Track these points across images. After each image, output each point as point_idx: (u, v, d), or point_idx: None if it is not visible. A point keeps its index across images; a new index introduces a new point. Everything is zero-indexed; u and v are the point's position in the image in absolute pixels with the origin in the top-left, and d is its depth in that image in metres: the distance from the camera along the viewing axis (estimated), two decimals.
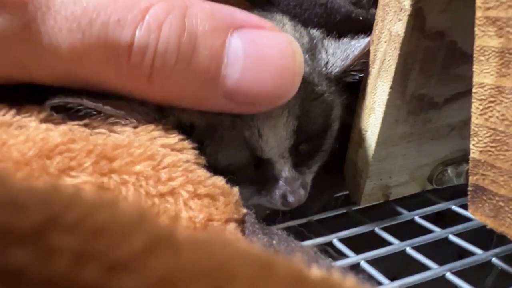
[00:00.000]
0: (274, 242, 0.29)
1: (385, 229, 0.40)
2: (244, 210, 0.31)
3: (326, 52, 0.38)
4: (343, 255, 0.37)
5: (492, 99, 0.27)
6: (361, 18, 0.38)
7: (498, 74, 0.26)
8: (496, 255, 0.36)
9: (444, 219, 0.47)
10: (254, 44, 0.29)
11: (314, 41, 0.38)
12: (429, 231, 0.39)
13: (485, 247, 0.37)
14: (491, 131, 0.27)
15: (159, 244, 0.11)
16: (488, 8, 0.25)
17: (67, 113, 0.31)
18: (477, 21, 0.26)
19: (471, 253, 0.36)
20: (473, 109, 0.28)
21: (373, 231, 0.40)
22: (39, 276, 0.10)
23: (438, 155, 0.43)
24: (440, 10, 0.33)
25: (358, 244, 0.38)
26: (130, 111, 0.31)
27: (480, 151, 0.28)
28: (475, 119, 0.28)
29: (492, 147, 0.27)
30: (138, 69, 0.28)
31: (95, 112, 0.31)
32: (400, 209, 0.43)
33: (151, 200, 0.27)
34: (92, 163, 0.27)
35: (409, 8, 0.32)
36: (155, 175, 0.28)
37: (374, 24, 0.36)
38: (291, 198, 0.37)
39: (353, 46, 0.38)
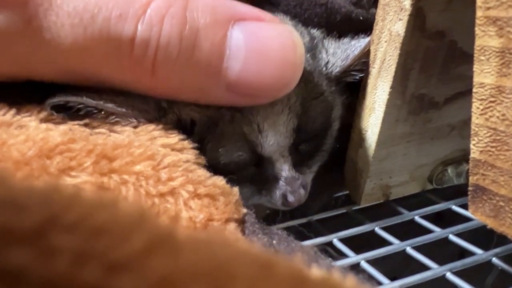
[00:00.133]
0: (274, 242, 0.29)
1: (385, 229, 0.40)
2: (244, 210, 0.31)
3: (327, 52, 0.38)
4: (343, 255, 0.37)
5: (492, 99, 0.27)
6: (361, 18, 0.38)
7: (498, 74, 0.26)
8: (496, 255, 0.36)
9: (444, 219, 0.47)
10: (255, 36, 0.29)
11: (315, 41, 0.38)
12: (429, 231, 0.39)
13: (485, 247, 0.37)
14: (491, 131, 0.27)
15: (159, 244, 0.11)
16: (488, 8, 0.25)
17: (67, 113, 0.31)
18: (477, 21, 0.26)
19: (471, 253, 0.36)
20: (473, 109, 0.28)
21: (373, 231, 0.40)
22: (39, 276, 0.10)
23: (438, 155, 0.43)
24: (440, 10, 0.33)
25: (358, 244, 0.38)
26: (131, 109, 0.31)
27: (481, 151, 0.28)
28: (476, 119, 0.28)
29: (492, 147, 0.27)
30: (140, 63, 0.28)
31: (95, 111, 0.31)
32: (400, 209, 0.43)
33: (151, 200, 0.27)
34: (92, 163, 0.27)
35: (410, 7, 0.32)
36: (155, 175, 0.28)
37: (375, 24, 0.36)
38: (291, 198, 0.37)
39: (353, 46, 0.38)
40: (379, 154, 0.39)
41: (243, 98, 0.31)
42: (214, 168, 0.33)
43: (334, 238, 0.38)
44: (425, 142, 0.41)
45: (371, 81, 0.37)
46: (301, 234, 0.41)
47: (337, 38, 0.39)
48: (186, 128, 0.33)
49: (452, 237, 0.38)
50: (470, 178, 0.30)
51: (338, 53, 0.38)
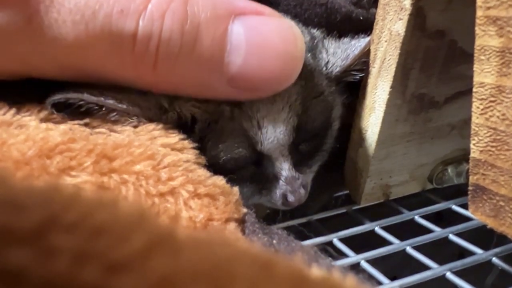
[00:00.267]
0: (274, 241, 0.29)
1: (385, 228, 0.40)
2: (244, 210, 0.31)
3: (327, 52, 0.38)
4: (343, 255, 0.37)
5: (492, 98, 0.26)
6: (361, 17, 0.38)
7: (498, 73, 0.26)
8: (496, 255, 0.36)
9: (444, 218, 0.47)
10: (256, 30, 0.30)
11: (315, 41, 0.38)
12: (429, 231, 0.39)
13: (485, 247, 0.37)
14: (491, 130, 0.27)
15: (159, 244, 0.11)
16: (488, 8, 0.25)
17: (68, 111, 0.31)
18: (477, 21, 0.26)
19: (471, 253, 0.36)
20: (473, 109, 0.28)
21: (373, 230, 0.40)
22: (39, 276, 0.10)
23: (439, 154, 0.42)
24: (440, 9, 0.33)
25: (358, 243, 0.38)
26: (132, 106, 0.31)
27: (481, 151, 0.28)
28: (476, 119, 0.28)
29: (492, 146, 0.27)
30: (142, 58, 0.28)
31: (96, 107, 0.31)
32: (400, 209, 0.43)
33: (151, 200, 0.27)
34: (92, 162, 0.27)
35: (410, 7, 0.32)
36: (155, 175, 0.28)
37: (375, 24, 0.36)
38: (291, 198, 0.37)
39: (354, 46, 0.38)
40: (379, 153, 0.39)
41: (244, 92, 0.31)
42: (214, 167, 0.33)
43: (334, 238, 0.38)
44: (425, 141, 0.41)
45: (371, 81, 0.37)
46: (301, 233, 0.41)
47: (337, 38, 0.39)
48: (186, 126, 0.33)
49: (452, 237, 0.38)
50: (470, 177, 0.30)
51: (338, 53, 0.38)
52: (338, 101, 0.40)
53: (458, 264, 0.35)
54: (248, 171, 0.37)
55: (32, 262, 0.10)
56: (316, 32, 0.39)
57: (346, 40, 0.39)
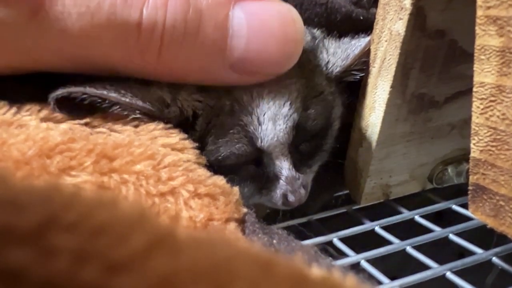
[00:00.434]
0: (274, 241, 0.29)
1: (385, 228, 0.40)
2: (245, 210, 0.31)
3: (327, 52, 0.38)
4: (343, 255, 0.37)
5: (492, 98, 0.26)
6: (361, 17, 0.38)
7: (498, 73, 0.26)
8: (496, 255, 0.36)
9: (444, 218, 0.47)
10: (256, 14, 0.30)
11: (316, 41, 0.38)
12: (429, 231, 0.39)
13: (485, 247, 0.37)
14: (491, 130, 0.27)
15: (159, 244, 0.11)
16: (488, 7, 0.25)
17: (71, 108, 0.31)
18: (477, 20, 0.26)
19: (471, 253, 0.36)
20: (473, 108, 0.28)
21: (373, 230, 0.40)
22: (39, 276, 0.10)
23: (439, 154, 0.42)
24: (441, 9, 0.33)
25: (358, 243, 0.38)
26: (135, 100, 0.31)
27: (481, 150, 0.28)
28: (476, 118, 0.28)
29: (492, 146, 0.27)
30: (147, 47, 0.29)
31: (99, 101, 0.31)
32: (400, 208, 0.43)
33: (151, 200, 0.27)
34: (92, 162, 0.27)
35: (410, 7, 0.32)
36: (155, 175, 0.28)
37: (375, 23, 0.36)
38: (291, 198, 0.37)
39: (354, 46, 0.38)
40: (379, 153, 0.39)
41: (247, 75, 0.32)
42: (215, 165, 0.33)
43: (334, 238, 0.38)
44: (425, 141, 0.41)
45: (371, 81, 0.37)
46: (301, 233, 0.41)
47: (337, 38, 0.39)
48: (188, 122, 0.33)
49: (452, 237, 0.38)
50: (470, 177, 0.30)
51: (339, 52, 0.38)
52: (338, 101, 0.40)
53: (458, 263, 0.35)
54: (248, 171, 0.37)
55: (32, 262, 0.10)
56: (316, 32, 0.39)
57: (346, 40, 0.39)
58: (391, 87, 0.35)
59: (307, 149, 0.38)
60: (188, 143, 0.32)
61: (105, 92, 0.31)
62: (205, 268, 0.11)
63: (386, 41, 0.35)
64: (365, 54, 0.37)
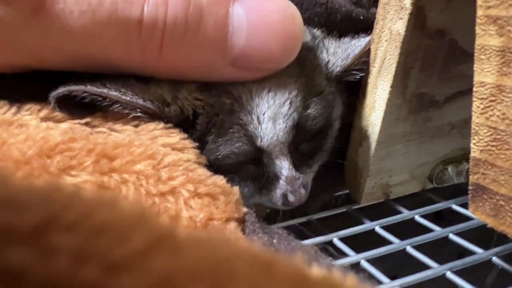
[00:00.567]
0: (274, 241, 0.29)
1: (385, 228, 0.40)
2: (245, 209, 0.31)
3: (327, 52, 0.38)
4: (343, 254, 0.37)
5: (493, 98, 0.26)
6: (361, 17, 0.38)
7: (499, 73, 0.26)
8: (496, 254, 0.36)
9: (444, 218, 0.47)
10: (255, 11, 0.30)
11: (316, 41, 0.38)
12: (429, 230, 0.39)
13: (485, 246, 0.37)
14: (491, 130, 0.27)
15: (159, 243, 0.11)
16: (489, 7, 0.25)
17: (72, 108, 0.31)
18: (478, 20, 0.26)
19: (471, 252, 0.36)
20: (473, 108, 0.28)
21: (373, 230, 0.40)
22: (39, 276, 0.10)
23: (439, 153, 0.42)
24: (441, 9, 0.33)
25: (358, 243, 0.38)
26: (135, 98, 0.31)
27: (481, 150, 0.28)
28: (476, 118, 0.28)
29: (492, 146, 0.27)
30: (149, 44, 0.29)
31: (100, 99, 0.31)
32: (400, 208, 0.43)
33: (151, 199, 0.27)
34: (92, 162, 0.27)
35: (410, 6, 0.32)
36: (155, 174, 0.28)
37: (375, 23, 0.36)
38: (291, 198, 0.37)
39: (354, 45, 0.37)
40: (379, 153, 0.39)
41: (247, 71, 0.32)
42: (215, 165, 0.33)
43: (334, 237, 0.38)
44: (426, 141, 0.41)
45: (371, 80, 0.37)
46: (301, 233, 0.41)
47: (337, 38, 0.39)
48: (188, 121, 0.33)
49: (452, 236, 0.38)
50: (470, 177, 0.30)
51: (339, 52, 0.38)
52: (339, 100, 0.40)
53: (458, 263, 0.35)
54: (248, 171, 0.37)
55: (32, 261, 0.10)
56: (316, 32, 0.39)
57: (346, 39, 0.38)
58: (391, 86, 0.35)
59: (307, 149, 0.38)
60: (188, 143, 0.32)
61: (105, 91, 0.31)
62: (205, 267, 0.11)
63: (386, 40, 0.35)
64: (365, 54, 0.37)
